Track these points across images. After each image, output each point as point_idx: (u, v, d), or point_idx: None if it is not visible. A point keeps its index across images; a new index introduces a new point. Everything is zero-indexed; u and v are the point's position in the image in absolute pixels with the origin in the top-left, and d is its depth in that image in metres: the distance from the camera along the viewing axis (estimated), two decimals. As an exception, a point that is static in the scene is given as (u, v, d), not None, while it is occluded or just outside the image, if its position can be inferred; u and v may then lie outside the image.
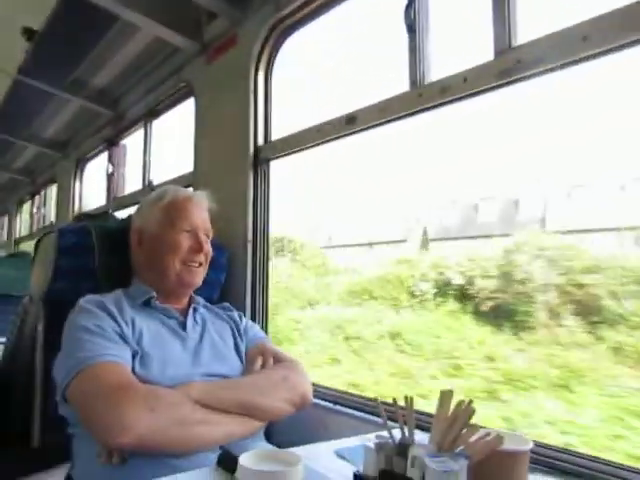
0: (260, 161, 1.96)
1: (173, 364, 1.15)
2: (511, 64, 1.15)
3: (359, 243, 9.52)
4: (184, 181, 2.34)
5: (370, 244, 9.32)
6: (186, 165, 2.36)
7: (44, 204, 5.12)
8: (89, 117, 3.41)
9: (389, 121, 1.52)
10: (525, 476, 0.72)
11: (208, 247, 1.34)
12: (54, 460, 1.17)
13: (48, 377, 1.14)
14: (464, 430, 0.68)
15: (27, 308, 1.52)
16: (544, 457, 1.00)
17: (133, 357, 1.11)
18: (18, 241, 5.68)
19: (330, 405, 1.50)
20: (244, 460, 0.53)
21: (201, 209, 1.36)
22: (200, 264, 1.32)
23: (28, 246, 5.29)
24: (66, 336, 1.14)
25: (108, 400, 0.97)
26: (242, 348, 1.35)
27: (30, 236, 5.42)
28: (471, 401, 0.69)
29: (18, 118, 3.58)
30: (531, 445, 0.71)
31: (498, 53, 1.20)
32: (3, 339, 1.58)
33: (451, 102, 1.35)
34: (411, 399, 0.71)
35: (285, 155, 1.95)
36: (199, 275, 1.33)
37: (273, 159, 1.96)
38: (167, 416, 0.98)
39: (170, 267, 1.27)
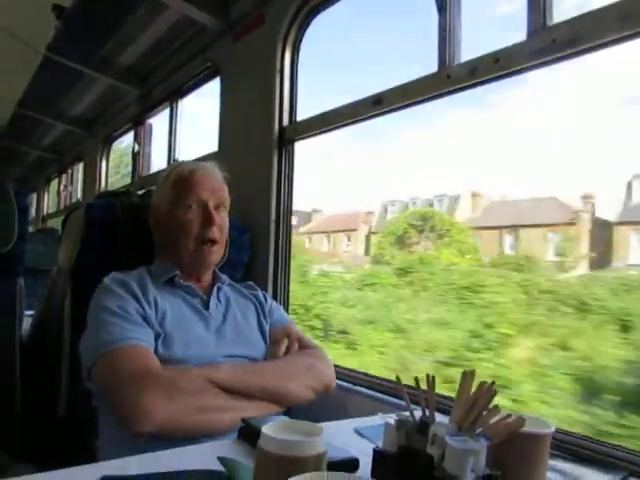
0: (285, 141, 1.96)
1: (196, 345, 1.15)
2: (546, 44, 1.12)
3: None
4: (209, 160, 2.35)
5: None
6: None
7: (71, 182, 5.21)
8: (116, 96, 3.44)
9: (416, 103, 1.50)
10: (546, 460, 0.72)
11: (221, 220, 1.29)
12: (79, 429, 1.19)
13: (75, 348, 1.16)
14: (485, 412, 0.68)
15: (55, 281, 1.55)
16: (565, 443, 1.00)
17: (156, 338, 1.12)
18: (46, 218, 5.80)
19: (350, 386, 1.51)
20: (267, 429, 0.54)
21: (210, 179, 1.29)
22: (214, 241, 1.26)
23: (55, 223, 5.40)
24: (90, 316, 1.15)
25: (128, 388, 0.99)
26: (266, 329, 1.33)
27: (57, 213, 5.52)
28: (493, 382, 0.68)
29: (46, 96, 3.63)
30: (553, 429, 0.71)
31: (532, 33, 1.17)
32: (31, 312, 1.63)
33: (481, 84, 1.32)
34: (433, 378, 0.71)
35: (310, 136, 1.95)
36: (215, 253, 1.29)
37: (298, 139, 1.95)
38: (187, 404, 0.99)
39: (184, 247, 1.25)
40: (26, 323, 1.55)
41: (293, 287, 1.97)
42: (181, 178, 1.28)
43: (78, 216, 1.44)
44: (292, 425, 0.58)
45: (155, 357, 1.08)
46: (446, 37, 1.42)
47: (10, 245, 1.32)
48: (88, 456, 1.02)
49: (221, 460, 0.71)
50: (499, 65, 1.25)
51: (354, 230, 9.19)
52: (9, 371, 1.35)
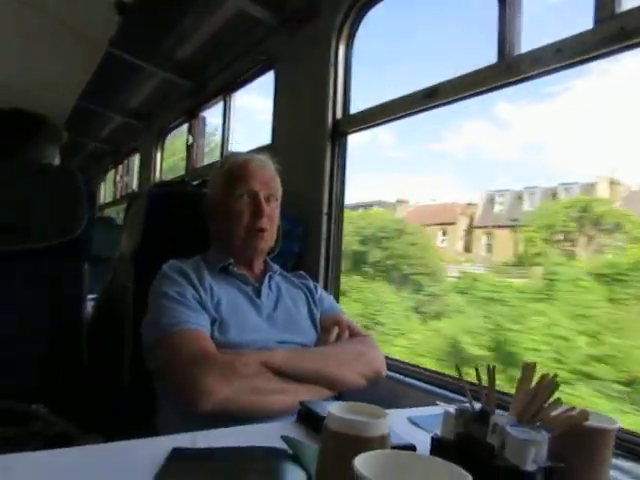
0: (338, 134, 1.98)
1: (250, 331, 1.20)
2: (614, 32, 1.09)
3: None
4: (262, 152, 2.38)
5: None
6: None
7: (127, 173, 5.40)
8: (171, 89, 3.53)
9: (473, 95, 1.49)
10: (609, 457, 0.70)
11: (271, 210, 1.32)
12: (140, 407, 1.25)
13: (137, 331, 1.22)
14: (546, 404, 0.68)
15: (118, 267, 1.63)
16: (628, 443, 0.98)
17: (212, 324, 1.17)
18: (103, 207, 6.01)
19: (401, 377, 1.52)
20: (334, 409, 0.56)
21: (262, 171, 1.33)
22: (264, 229, 1.30)
23: (112, 212, 5.61)
24: (151, 301, 1.21)
25: (187, 369, 1.03)
26: (316, 317, 1.37)
27: (114, 203, 5.72)
28: (555, 375, 0.68)
29: (106, 89, 3.76)
30: (618, 425, 0.70)
31: (599, 21, 1.14)
32: (91, 296, 1.71)
33: (541, 75, 1.30)
34: (494, 369, 0.71)
35: (363, 129, 1.95)
36: (264, 241, 1.32)
37: (351, 132, 1.97)
38: (242, 386, 1.03)
39: (235, 235, 1.30)
40: (88, 306, 1.64)
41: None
42: (234, 169, 1.33)
43: (140, 205, 1.50)
44: (356, 407, 0.60)
45: (211, 341, 1.13)
46: (505, 27, 1.40)
47: (79, 230, 1.39)
48: (149, 431, 1.08)
49: (285, 439, 0.73)
50: (561, 55, 1.22)
51: (452, 224, 7.73)
52: (76, 350, 1.42)
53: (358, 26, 2.01)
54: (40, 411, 1.00)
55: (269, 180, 1.35)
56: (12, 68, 3.65)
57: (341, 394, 1.22)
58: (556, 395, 0.67)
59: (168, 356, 1.09)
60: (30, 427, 0.96)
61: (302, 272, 1.52)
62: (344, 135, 1.97)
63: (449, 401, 1.19)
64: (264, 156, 1.40)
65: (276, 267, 1.42)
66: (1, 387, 1.28)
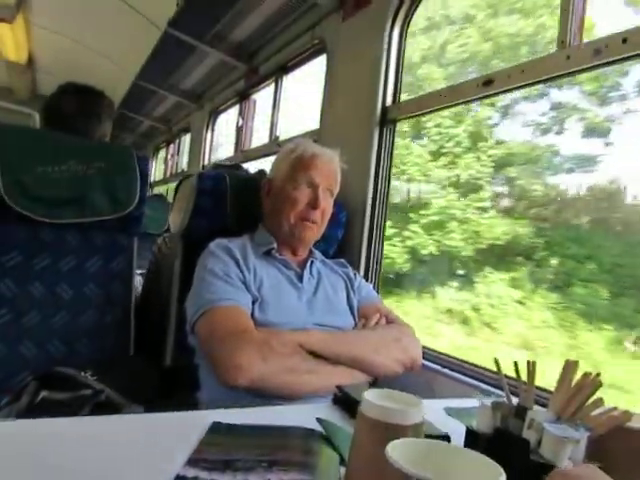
0: (387, 121, 1.96)
1: (289, 312, 1.23)
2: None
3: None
4: (310, 137, 2.40)
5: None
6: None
7: (177, 152, 5.52)
8: (224, 70, 3.57)
9: (530, 84, 1.45)
10: (650, 460, 0.69)
11: (326, 204, 1.36)
12: (183, 380, 1.30)
13: (182, 306, 1.27)
14: (587, 403, 0.67)
15: (167, 243, 1.68)
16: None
17: (253, 302, 1.20)
18: (153, 185, 6.17)
19: (438, 368, 1.52)
20: (369, 395, 0.57)
21: (327, 166, 1.37)
22: (315, 222, 1.34)
23: (162, 190, 5.75)
24: (196, 276, 1.25)
25: (226, 343, 1.06)
26: (354, 303, 1.39)
27: (164, 181, 5.87)
28: (598, 374, 0.67)
29: (162, 69, 3.84)
30: (663, 429, 0.68)
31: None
32: (140, 271, 1.77)
33: (604, 65, 1.25)
34: (534, 364, 0.70)
35: (413, 116, 1.94)
36: (313, 232, 1.36)
37: (400, 120, 1.95)
38: (278, 363, 1.05)
39: (286, 220, 1.33)
40: (135, 280, 1.70)
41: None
42: (303, 158, 1.35)
43: (190, 184, 1.54)
44: (392, 394, 0.60)
45: (250, 318, 1.16)
46: (568, 15, 1.35)
47: (132, 206, 1.44)
48: (190, 406, 1.12)
49: (320, 421, 0.75)
50: (628, 45, 1.17)
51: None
52: (124, 322, 1.48)
53: (414, 11, 1.97)
54: (89, 378, 1.06)
55: (331, 176, 1.38)
56: (74, 44, 3.77)
57: (376, 380, 1.23)
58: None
59: (208, 330, 1.13)
60: (80, 393, 1.01)
61: (343, 260, 1.54)
62: (393, 122, 1.96)
63: (487, 394, 1.18)
64: (333, 152, 1.42)
65: (318, 254, 1.45)
66: (54, 354, 1.36)
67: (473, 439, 0.72)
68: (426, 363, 1.51)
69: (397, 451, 0.45)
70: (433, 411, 0.98)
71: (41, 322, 1.35)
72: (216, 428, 0.71)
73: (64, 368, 1.10)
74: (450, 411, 0.98)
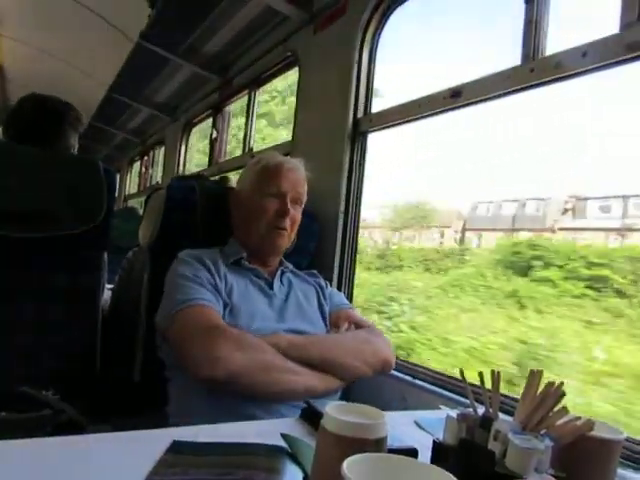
0: (358, 133, 1.96)
1: (260, 318, 1.22)
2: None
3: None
4: (282, 149, 2.39)
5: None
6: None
7: (152, 165, 5.47)
8: (198, 83, 3.56)
9: (497, 96, 1.46)
10: (615, 468, 0.69)
11: (295, 213, 1.37)
12: (152, 395, 1.27)
13: (151, 321, 1.24)
14: (551, 413, 0.67)
15: (136, 257, 1.65)
16: (636, 453, 0.95)
17: (223, 308, 1.20)
18: (127, 197, 6.10)
19: (409, 378, 1.51)
20: (330, 409, 0.56)
21: (293, 175, 1.37)
22: (285, 229, 1.35)
23: (136, 203, 5.68)
24: (167, 282, 1.25)
25: (203, 337, 1.05)
26: (326, 310, 1.40)
27: (138, 194, 5.81)
28: (562, 383, 0.67)
29: (135, 82, 3.81)
30: (624, 436, 0.68)
31: (625, 25, 1.11)
32: (111, 285, 1.73)
33: (566, 78, 1.27)
34: (498, 374, 0.70)
35: (384, 128, 1.94)
36: (283, 239, 1.36)
37: (372, 131, 1.95)
38: (255, 359, 1.05)
39: (255, 230, 1.34)
40: (106, 295, 1.66)
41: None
42: (268, 168, 1.36)
43: (159, 196, 1.52)
44: (355, 408, 0.59)
45: (222, 319, 1.15)
46: (532, 29, 1.37)
47: (98, 220, 1.40)
48: (159, 421, 1.09)
49: (284, 437, 0.73)
50: (587, 59, 1.19)
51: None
52: (90, 339, 1.45)
53: (385, 24, 1.99)
54: (50, 398, 1.02)
55: (298, 185, 1.39)
56: (44, 55, 3.72)
57: (349, 388, 1.23)
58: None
59: (182, 329, 1.12)
60: (40, 414, 0.97)
61: (314, 271, 1.54)
62: (364, 134, 1.96)
63: (456, 404, 1.18)
64: (298, 161, 1.43)
65: (289, 265, 1.46)
66: (15, 373, 1.31)
67: (440, 452, 0.71)
68: (398, 374, 1.50)
69: (354, 466, 0.44)
70: (403, 423, 0.98)
71: (0, 339, 1.30)
72: (176, 447, 0.69)
73: (25, 387, 1.06)
74: (421, 423, 0.98)
